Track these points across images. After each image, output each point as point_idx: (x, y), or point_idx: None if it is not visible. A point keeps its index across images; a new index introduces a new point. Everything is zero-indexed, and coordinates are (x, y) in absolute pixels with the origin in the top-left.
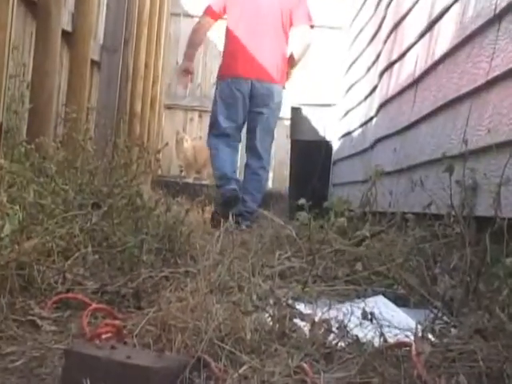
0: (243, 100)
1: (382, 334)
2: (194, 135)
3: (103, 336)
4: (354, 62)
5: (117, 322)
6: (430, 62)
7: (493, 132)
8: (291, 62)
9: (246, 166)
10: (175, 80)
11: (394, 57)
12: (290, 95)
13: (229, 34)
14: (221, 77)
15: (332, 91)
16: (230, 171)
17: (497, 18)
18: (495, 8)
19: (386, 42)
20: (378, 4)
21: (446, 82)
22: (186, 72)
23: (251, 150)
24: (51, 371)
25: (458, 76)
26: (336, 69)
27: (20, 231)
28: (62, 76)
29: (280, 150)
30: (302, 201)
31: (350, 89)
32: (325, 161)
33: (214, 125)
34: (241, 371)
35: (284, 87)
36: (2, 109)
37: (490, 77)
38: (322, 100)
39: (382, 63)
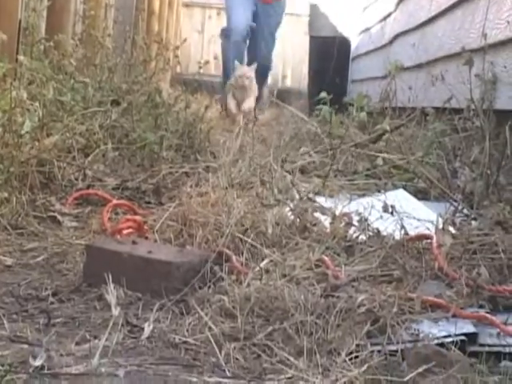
0: None
1: (402, 227)
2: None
3: (124, 231)
4: None
5: (138, 218)
6: None
7: None
8: None
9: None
10: None
11: None
12: None
13: None
14: None
15: None
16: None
17: None
18: None
19: None
20: None
21: None
22: None
23: None
24: (73, 267)
25: None
26: None
27: (40, 128)
28: None
29: (298, 48)
30: (323, 94)
31: None
32: (343, 57)
33: None
34: (262, 265)
35: None
36: (21, 6)
37: None
38: None
39: None
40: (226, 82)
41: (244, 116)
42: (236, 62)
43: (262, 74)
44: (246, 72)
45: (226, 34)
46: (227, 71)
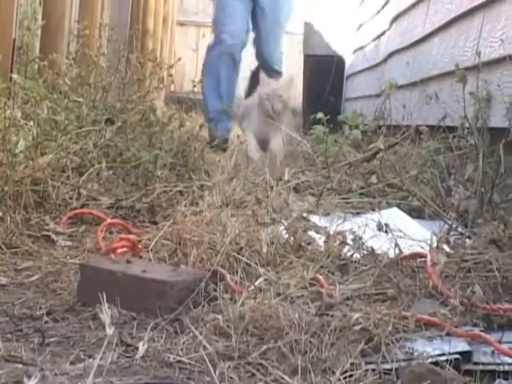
0: None
1: (396, 245)
2: None
3: (118, 250)
4: None
5: (132, 237)
6: None
7: (506, 43)
8: None
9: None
10: None
11: None
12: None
13: None
14: None
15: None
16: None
17: None
18: None
19: None
20: None
21: None
22: None
23: None
24: (67, 286)
25: None
26: None
27: (34, 147)
28: None
29: (293, 66)
30: (320, 115)
31: (362, 2)
32: (338, 75)
33: None
34: (257, 283)
35: None
36: (15, 25)
37: None
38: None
39: None
40: (211, 114)
41: (270, 160)
42: (262, 74)
43: (270, 67)
44: (277, 90)
45: (214, 42)
46: (220, 92)
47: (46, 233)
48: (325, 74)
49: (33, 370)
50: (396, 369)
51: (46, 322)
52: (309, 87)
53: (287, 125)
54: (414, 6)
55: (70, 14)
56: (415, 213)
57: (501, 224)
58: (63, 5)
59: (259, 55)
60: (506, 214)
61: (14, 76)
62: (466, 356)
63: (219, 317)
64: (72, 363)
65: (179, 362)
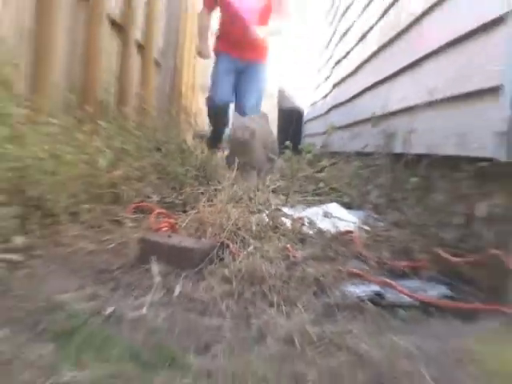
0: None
1: (335, 226)
2: None
3: (163, 229)
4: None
5: (171, 220)
6: (359, 62)
7: (402, 100)
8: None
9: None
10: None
11: (340, 56)
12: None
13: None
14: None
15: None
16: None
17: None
18: None
19: (336, 47)
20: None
21: (372, 71)
22: (200, 54)
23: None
24: (131, 251)
25: (375, 71)
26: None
27: (111, 165)
28: (137, 70)
29: (271, 115)
30: (287, 143)
31: (318, 72)
32: (298, 121)
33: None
34: (249, 250)
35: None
36: (100, 89)
37: (396, 69)
38: (299, 85)
39: (335, 59)
40: (215, 139)
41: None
42: (235, 114)
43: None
44: (246, 122)
45: (211, 102)
46: (218, 130)
47: (118, 218)
48: (291, 120)
49: (109, 304)
50: (336, 303)
51: (118, 274)
52: (281, 127)
53: (257, 148)
54: (344, 79)
55: (134, 83)
56: (347, 206)
57: (399, 213)
58: (130, 78)
59: (240, 109)
60: (403, 207)
61: (100, 122)
62: (379, 295)
63: (225, 270)
64: (135, 299)
65: (200, 298)
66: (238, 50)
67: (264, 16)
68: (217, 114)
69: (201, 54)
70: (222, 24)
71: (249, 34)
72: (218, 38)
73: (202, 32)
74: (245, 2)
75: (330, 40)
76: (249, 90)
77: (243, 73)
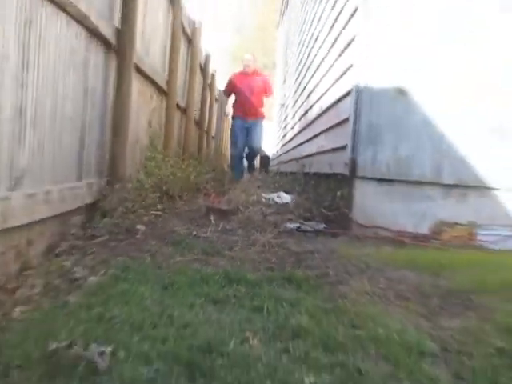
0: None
1: (282, 200)
2: None
3: (215, 202)
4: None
5: (219, 198)
6: (304, 123)
7: (309, 150)
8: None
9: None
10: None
11: (287, 129)
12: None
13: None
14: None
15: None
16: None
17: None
18: None
19: (285, 125)
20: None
21: (301, 137)
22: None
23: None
24: (200, 213)
25: (301, 137)
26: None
27: (194, 177)
28: (180, 127)
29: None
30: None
31: (285, 128)
32: (268, 160)
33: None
34: (248, 210)
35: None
36: (191, 147)
37: (308, 137)
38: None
39: (284, 131)
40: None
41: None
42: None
43: (255, 153)
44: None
45: (231, 151)
46: (235, 167)
47: (198, 198)
48: (265, 160)
49: (194, 231)
50: (282, 230)
51: (197, 219)
52: (261, 163)
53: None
54: (292, 138)
55: (175, 131)
56: (287, 192)
57: (307, 194)
58: (173, 129)
59: (250, 150)
60: (308, 192)
61: (190, 160)
62: (299, 227)
63: (239, 217)
64: (204, 229)
65: (229, 228)
66: (246, 114)
67: (261, 95)
68: (235, 157)
69: (227, 113)
70: (236, 101)
71: (251, 105)
72: (234, 108)
73: (227, 105)
74: (248, 88)
75: (285, 119)
76: (255, 137)
77: (250, 127)
